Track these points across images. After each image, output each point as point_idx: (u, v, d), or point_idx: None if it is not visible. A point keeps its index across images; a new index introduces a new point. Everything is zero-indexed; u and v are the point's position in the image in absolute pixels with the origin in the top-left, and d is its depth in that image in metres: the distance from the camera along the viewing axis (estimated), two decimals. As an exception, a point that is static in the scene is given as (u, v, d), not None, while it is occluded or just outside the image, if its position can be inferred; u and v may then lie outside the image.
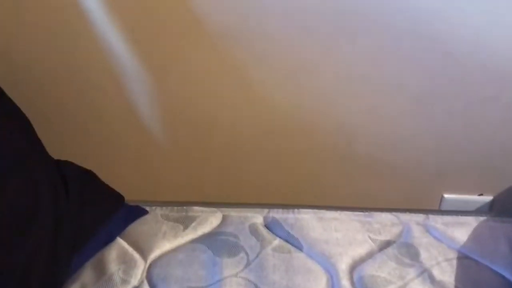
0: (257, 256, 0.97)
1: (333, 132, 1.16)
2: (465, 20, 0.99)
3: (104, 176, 1.10)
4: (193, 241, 1.02)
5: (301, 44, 1.04)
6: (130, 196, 1.11)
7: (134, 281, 0.94)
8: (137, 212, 1.10)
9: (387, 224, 1.08)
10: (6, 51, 1.06)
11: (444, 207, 1.28)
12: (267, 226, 1.06)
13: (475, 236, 1.04)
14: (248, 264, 0.95)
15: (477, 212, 1.27)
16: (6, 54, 1.06)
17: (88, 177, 1.10)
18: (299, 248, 1.00)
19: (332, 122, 1.15)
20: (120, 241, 1.03)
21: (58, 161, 1.06)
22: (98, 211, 1.06)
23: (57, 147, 1.06)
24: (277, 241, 1.01)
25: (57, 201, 0.96)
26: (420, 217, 1.11)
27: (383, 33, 1.02)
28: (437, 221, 1.09)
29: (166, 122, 1.16)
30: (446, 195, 1.27)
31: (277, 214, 1.09)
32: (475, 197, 1.28)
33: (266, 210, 1.10)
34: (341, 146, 1.18)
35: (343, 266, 0.96)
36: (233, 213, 1.10)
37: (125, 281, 0.94)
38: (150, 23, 1.01)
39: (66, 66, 1.08)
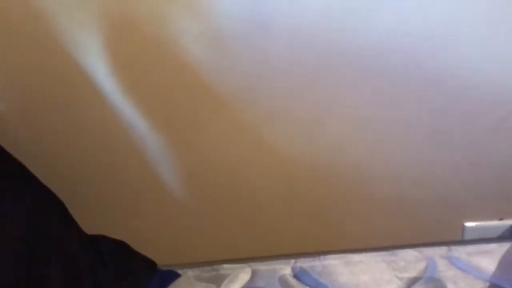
0: (290, 307, 1.01)
1: (348, 177, 1.20)
2: (461, 57, 1.05)
3: (135, 243, 1.16)
4: (226, 298, 1.06)
5: (308, 98, 1.10)
6: (162, 261, 1.17)
7: None
8: (171, 276, 1.15)
9: (411, 260, 1.11)
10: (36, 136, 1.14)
11: (467, 236, 1.30)
12: (295, 276, 1.10)
13: (501, 263, 1.07)
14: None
15: (499, 238, 1.28)
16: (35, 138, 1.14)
17: (122, 248, 1.16)
18: (329, 295, 1.04)
19: (347, 167, 1.20)
20: (158, 307, 1.08)
21: (93, 236, 1.13)
22: (134, 281, 1.12)
23: (87, 221, 1.12)
24: (307, 291, 1.05)
25: (96, 277, 1.02)
26: (443, 249, 1.14)
27: (384, 77, 1.08)
28: (460, 252, 1.12)
29: (189, 185, 1.22)
30: (467, 224, 1.29)
31: (304, 263, 1.13)
32: (496, 222, 1.29)
33: (293, 261, 1.14)
34: (358, 189, 1.22)
35: (374, 308, 0.99)
36: (262, 266, 1.14)
37: None
38: (164, 95, 1.09)
39: (86, 144, 1.16)
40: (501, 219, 1.30)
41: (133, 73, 1.07)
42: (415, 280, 1.05)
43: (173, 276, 1.15)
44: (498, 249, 1.11)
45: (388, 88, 1.10)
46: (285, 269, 1.12)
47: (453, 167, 1.20)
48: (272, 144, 1.16)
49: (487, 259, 1.08)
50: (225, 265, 1.16)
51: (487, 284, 1.02)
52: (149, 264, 1.16)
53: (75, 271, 0.96)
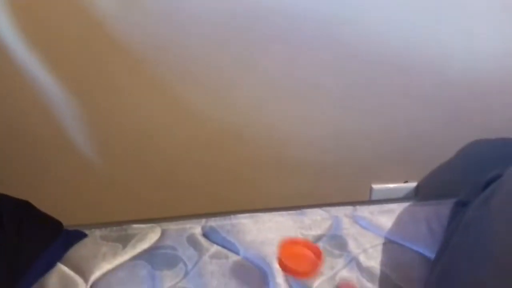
0: (195, 264, 1.01)
1: (262, 139, 1.22)
2: (374, 22, 1.07)
3: (42, 205, 1.11)
4: (133, 258, 1.05)
5: (222, 59, 1.09)
6: (69, 222, 1.13)
7: (77, 303, 0.96)
8: (76, 236, 1.12)
9: (318, 219, 1.15)
10: None
11: (374, 197, 1.36)
12: (204, 235, 1.10)
13: (398, 221, 1.12)
14: (186, 273, 0.99)
15: (402, 199, 1.36)
16: None
17: (25, 207, 1.10)
18: (236, 252, 1.05)
19: (260, 130, 1.21)
20: (60, 267, 1.04)
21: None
22: (36, 240, 1.07)
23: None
24: (214, 248, 1.06)
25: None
26: (349, 209, 1.18)
27: (298, 40, 1.09)
28: (364, 211, 1.17)
29: (99, 143, 1.18)
30: (374, 186, 1.35)
31: (215, 222, 1.14)
32: (401, 185, 1.36)
33: (204, 220, 1.15)
34: (270, 151, 1.24)
35: (276, 264, 1.01)
36: (172, 226, 1.13)
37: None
38: (70, 50, 1.04)
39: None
40: (406, 182, 1.37)
41: (37, 24, 1.00)
42: (319, 237, 1.09)
43: (79, 235, 1.12)
44: (398, 208, 1.17)
45: (303, 51, 1.11)
46: (195, 228, 1.13)
47: (363, 131, 1.25)
48: (185, 105, 1.15)
49: (387, 217, 1.14)
50: (134, 225, 1.14)
51: (385, 240, 1.07)
52: (54, 224, 1.12)
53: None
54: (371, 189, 1.36)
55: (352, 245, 1.06)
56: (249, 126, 1.19)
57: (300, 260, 0.90)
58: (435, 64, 1.14)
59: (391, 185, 1.36)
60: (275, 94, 1.16)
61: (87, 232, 1.13)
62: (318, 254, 0.91)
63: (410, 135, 1.28)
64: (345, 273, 0.99)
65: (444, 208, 1.11)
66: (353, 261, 1.02)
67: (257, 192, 1.29)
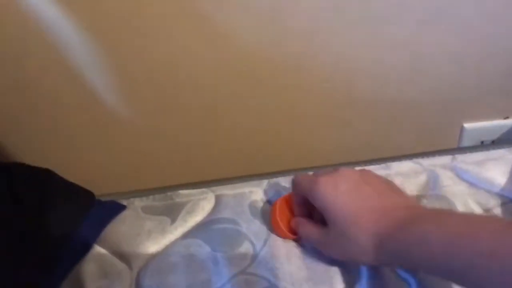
0: (264, 243, 0.80)
1: (326, 77, 0.96)
2: None
3: (66, 173, 0.90)
4: (185, 235, 0.84)
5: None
6: (101, 191, 0.92)
7: (121, 293, 0.77)
8: (113, 209, 0.91)
9: (409, 174, 0.91)
10: None
11: (466, 138, 1.11)
12: (270, 201, 0.89)
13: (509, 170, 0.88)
14: (255, 256, 0.78)
15: (505, 141, 1.11)
16: None
17: (45, 177, 0.90)
18: (313, 223, 0.83)
19: (324, 65, 0.95)
20: (98, 250, 0.85)
21: (5, 165, 0.86)
22: (65, 217, 0.87)
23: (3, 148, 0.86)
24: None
25: (5, 217, 0.78)
26: (445, 159, 0.94)
27: None
28: (466, 161, 0.93)
29: (128, 95, 0.95)
30: (466, 125, 1.10)
31: (280, 184, 0.92)
32: (499, 122, 1.11)
33: (265, 182, 0.93)
34: (338, 92, 0.98)
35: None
36: (227, 191, 0.92)
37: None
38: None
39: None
40: (506, 118, 1.11)
41: None
42: (417, 199, 0.86)
43: (117, 208, 0.92)
44: (509, 155, 0.92)
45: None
46: (256, 192, 0.91)
47: (450, 59, 0.98)
48: (229, 34, 0.87)
49: (499, 167, 0.89)
50: (181, 191, 0.93)
51: (502, 199, 0.84)
52: (84, 195, 0.92)
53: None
54: (462, 129, 1.11)
55: (461, 209, 0.83)
56: (308, 61, 0.93)
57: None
58: None
59: (487, 123, 1.11)
60: (339, 17, 0.89)
61: (124, 202, 0.93)
62: None
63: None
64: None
65: None
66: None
67: (321, 142, 1.05)
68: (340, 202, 0.68)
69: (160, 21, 0.84)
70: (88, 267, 0.82)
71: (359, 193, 0.69)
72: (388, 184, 0.73)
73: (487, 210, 0.82)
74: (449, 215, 0.63)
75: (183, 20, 0.84)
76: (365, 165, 0.94)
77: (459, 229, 0.55)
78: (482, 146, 1.10)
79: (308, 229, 0.76)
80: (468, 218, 0.59)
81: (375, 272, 0.74)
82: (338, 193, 0.68)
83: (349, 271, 0.75)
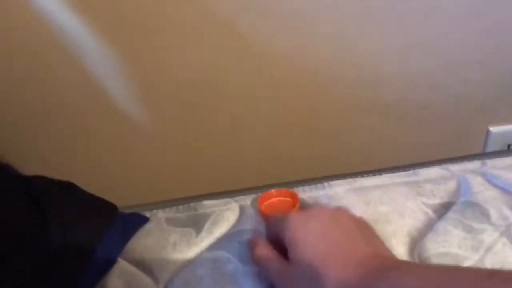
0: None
1: (352, 81, 0.95)
2: None
3: (88, 184, 0.89)
4: (211, 247, 0.82)
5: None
6: (122, 203, 0.91)
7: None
8: (137, 221, 0.90)
9: (438, 180, 0.89)
10: None
11: (491, 142, 1.09)
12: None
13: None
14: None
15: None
16: None
17: (68, 190, 0.89)
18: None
19: (350, 69, 0.93)
20: (122, 264, 0.83)
21: (27, 178, 0.85)
22: (88, 230, 0.86)
23: (22, 159, 0.85)
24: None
25: (30, 230, 0.76)
26: (475, 164, 0.92)
27: None
28: (496, 166, 0.90)
29: (149, 103, 0.94)
30: (492, 128, 1.08)
31: (305, 194, 0.90)
32: (526, 125, 1.08)
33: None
34: (364, 96, 0.96)
35: (401, 249, 0.77)
36: (251, 199, 0.90)
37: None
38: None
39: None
40: (534, 122, 1.08)
41: None
42: (447, 206, 0.83)
43: (140, 220, 0.90)
44: (540, 160, 0.90)
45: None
46: (283, 201, 0.89)
47: (477, 61, 0.96)
48: (253, 42, 0.87)
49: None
50: (205, 202, 0.91)
51: (537, 205, 0.81)
52: (107, 208, 0.90)
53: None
54: (488, 132, 1.08)
55: (495, 215, 0.80)
56: (336, 66, 0.92)
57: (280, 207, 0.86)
58: None
59: (514, 126, 1.08)
60: (369, 22, 0.87)
61: (148, 214, 0.91)
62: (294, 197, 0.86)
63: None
64: (497, 254, 0.74)
65: None
66: (503, 237, 0.76)
67: (351, 149, 1.04)
68: (308, 241, 0.64)
69: (183, 33, 0.83)
70: (113, 282, 0.80)
71: (329, 235, 0.64)
72: (361, 228, 0.68)
73: (521, 216, 0.79)
74: (425, 267, 0.60)
75: (207, 32, 0.83)
76: (391, 172, 0.92)
77: (437, 282, 0.52)
78: (506, 151, 1.08)
79: (266, 253, 0.70)
80: (446, 269, 0.56)
81: None
82: (307, 231, 0.65)
83: None
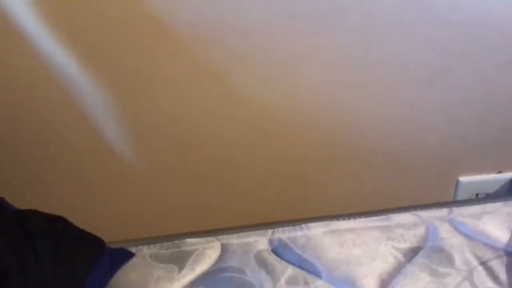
0: (270, 291, 0.83)
1: (334, 131, 1.02)
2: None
3: (76, 219, 0.94)
4: (192, 284, 0.87)
5: (284, 35, 0.89)
6: (110, 238, 0.96)
7: None
8: (122, 256, 0.95)
9: (408, 226, 0.95)
10: None
11: (461, 191, 1.16)
12: (274, 251, 0.92)
13: (507, 224, 0.92)
14: (261, 303, 0.81)
15: (498, 195, 1.15)
16: None
17: (59, 225, 0.93)
18: (317, 274, 0.86)
19: (332, 120, 1.01)
20: (108, 296, 0.88)
21: (21, 212, 0.90)
22: (76, 263, 0.90)
23: (14, 194, 0.89)
24: (290, 270, 0.87)
25: (24, 263, 0.80)
26: (443, 212, 0.98)
27: (374, 7, 0.88)
28: (463, 214, 0.97)
29: (139, 145, 1.00)
30: (461, 178, 1.15)
31: (284, 234, 0.95)
32: (493, 176, 1.15)
33: (270, 231, 0.96)
34: (341, 144, 1.04)
35: (371, 289, 0.82)
36: (233, 240, 0.95)
37: None
38: (101, 31, 0.84)
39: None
40: (499, 172, 1.16)
41: (61, 9, 0.81)
42: (415, 250, 0.89)
43: (126, 255, 0.95)
44: (505, 209, 0.96)
45: (380, 21, 0.90)
46: (262, 242, 0.94)
47: (449, 115, 1.04)
48: (241, 93, 0.94)
49: (494, 221, 0.93)
50: (188, 240, 0.96)
51: (499, 252, 0.87)
52: (95, 243, 0.95)
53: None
54: (457, 182, 1.15)
55: (459, 261, 0.86)
56: (316, 116, 0.99)
57: None
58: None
59: (482, 177, 1.15)
60: (347, 75, 0.95)
61: (133, 250, 0.96)
62: None
63: (509, 121, 1.06)
64: (458, 299, 0.80)
65: None
66: (466, 281, 0.82)
67: (327, 194, 1.10)
68: None
69: (177, 82, 0.90)
70: (98, 314, 0.84)
71: None
72: None
73: (483, 262, 0.85)
74: None
75: (197, 78, 0.90)
76: (365, 217, 0.98)
77: None
78: (478, 199, 1.15)
79: None
80: None
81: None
82: None
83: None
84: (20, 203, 0.89)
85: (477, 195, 1.17)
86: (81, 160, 0.98)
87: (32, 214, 0.91)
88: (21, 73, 0.87)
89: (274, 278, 0.85)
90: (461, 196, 1.16)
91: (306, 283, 0.84)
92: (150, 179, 1.02)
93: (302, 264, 0.88)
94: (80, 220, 0.94)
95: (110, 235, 0.96)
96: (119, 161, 0.98)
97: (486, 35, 0.92)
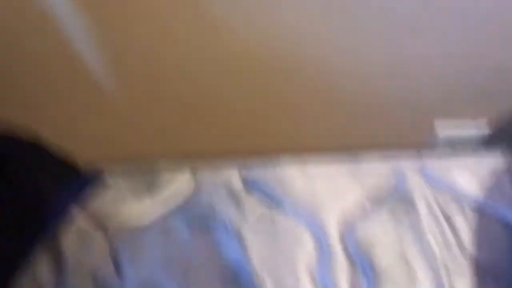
0: (238, 228, 0.86)
1: (308, 69, 0.99)
2: None
3: (54, 137, 0.93)
4: (164, 214, 0.89)
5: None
6: (84, 157, 0.96)
7: (97, 263, 0.83)
8: (95, 181, 0.95)
9: (376, 172, 0.97)
10: None
11: (438, 135, 1.17)
12: (246, 189, 0.93)
13: (477, 180, 0.95)
14: (228, 240, 0.84)
15: (474, 144, 1.17)
16: None
17: (34, 148, 0.92)
18: (284, 212, 0.89)
19: (306, 57, 0.98)
20: (77, 218, 0.89)
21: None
22: (49, 187, 0.91)
23: None
24: (259, 208, 0.89)
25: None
26: (414, 160, 1.00)
27: None
28: (433, 165, 0.98)
29: (116, 67, 0.97)
30: (437, 122, 1.16)
31: (256, 172, 0.96)
32: (469, 122, 1.16)
33: (244, 168, 0.97)
34: (317, 83, 1.02)
35: (332, 228, 0.86)
36: (206, 172, 0.96)
37: (84, 265, 0.82)
38: None
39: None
40: (474, 119, 1.17)
41: None
42: (381, 196, 0.92)
43: (100, 182, 0.95)
44: (474, 163, 0.98)
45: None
46: (234, 176, 0.96)
47: (429, 65, 1.03)
48: (220, 24, 0.90)
49: (462, 174, 0.95)
50: (161, 167, 0.96)
51: (462, 205, 0.90)
52: (68, 168, 0.95)
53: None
54: (434, 126, 1.16)
55: (423, 209, 0.89)
56: (293, 51, 0.96)
57: None
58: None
59: (458, 122, 1.16)
60: (328, 16, 0.91)
61: (107, 175, 0.96)
62: None
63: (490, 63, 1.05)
64: (415, 248, 0.84)
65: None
66: (427, 230, 0.86)
67: (300, 130, 1.10)
68: None
69: (154, 5, 0.85)
70: (67, 233, 0.87)
71: None
72: None
73: (447, 215, 0.88)
74: None
75: (177, 9, 0.85)
76: (339, 156, 0.99)
77: None
78: (450, 151, 1.16)
79: None
80: None
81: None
82: None
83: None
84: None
85: (451, 142, 1.18)
86: (54, 75, 0.95)
87: (7, 139, 0.89)
88: None
89: (242, 214, 0.88)
90: (436, 142, 1.18)
91: (272, 220, 0.87)
92: (122, 102, 1.00)
93: (270, 200, 0.90)
94: (54, 137, 0.93)
95: (84, 154, 0.97)
96: (93, 79, 0.96)
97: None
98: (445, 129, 1.16)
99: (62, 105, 1.00)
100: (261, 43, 0.93)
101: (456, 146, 1.14)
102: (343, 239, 0.85)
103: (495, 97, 1.12)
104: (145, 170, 0.97)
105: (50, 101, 0.99)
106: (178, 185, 0.93)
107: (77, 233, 0.88)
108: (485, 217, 0.88)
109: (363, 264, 0.82)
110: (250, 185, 0.93)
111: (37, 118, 0.97)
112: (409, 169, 0.97)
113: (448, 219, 0.87)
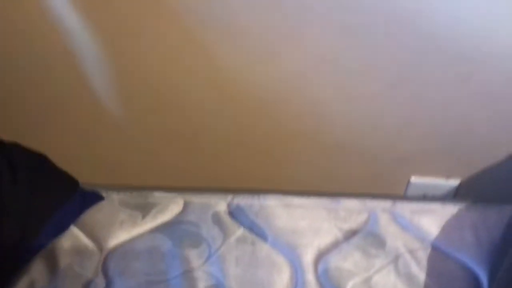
0: (219, 247, 0.93)
1: (299, 115, 1.11)
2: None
3: (57, 158, 1.03)
4: (153, 230, 0.97)
5: (270, 19, 0.97)
6: (85, 179, 1.05)
7: (88, 273, 0.89)
8: (93, 198, 1.04)
9: (353, 211, 1.05)
10: None
11: (411, 190, 1.27)
12: (230, 214, 1.02)
13: (442, 225, 1.03)
14: (210, 256, 0.91)
15: (444, 198, 1.26)
16: None
17: (39, 160, 1.02)
18: (264, 238, 0.96)
19: (299, 105, 1.10)
20: (74, 230, 0.97)
21: (3, 144, 0.98)
22: (50, 197, 0.99)
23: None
24: (241, 231, 0.97)
25: (3, 193, 0.89)
26: (387, 203, 1.09)
27: (353, 14, 0.97)
28: (404, 208, 1.07)
29: (123, 99, 1.08)
30: (413, 178, 1.26)
31: (242, 201, 1.05)
32: (442, 181, 1.26)
33: (230, 197, 1.06)
34: (307, 129, 1.13)
35: (308, 258, 0.93)
36: (196, 199, 1.05)
37: (78, 274, 0.88)
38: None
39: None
40: (447, 178, 1.27)
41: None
42: (354, 232, 1.00)
43: (96, 198, 1.04)
44: (441, 210, 1.07)
45: (356, 26, 0.99)
46: (221, 204, 1.04)
47: (407, 118, 1.14)
48: (219, 66, 1.03)
49: (429, 218, 1.04)
50: (156, 193, 1.05)
51: (425, 244, 0.98)
52: (70, 182, 1.04)
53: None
54: (408, 182, 1.26)
55: (390, 246, 0.97)
56: (287, 99, 1.08)
57: None
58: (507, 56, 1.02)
59: (432, 179, 1.26)
60: (322, 69, 1.04)
61: (104, 194, 1.05)
62: None
63: (460, 130, 1.17)
64: (381, 277, 0.91)
65: (494, 214, 1.02)
66: (391, 265, 0.93)
67: (287, 171, 1.20)
68: None
69: (164, 41, 0.98)
70: (63, 244, 0.94)
71: None
72: None
73: (410, 250, 0.96)
74: None
75: (184, 45, 0.98)
76: (320, 197, 1.08)
77: None
78: (421, 198, 1.25)
79: None
80: None
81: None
82: None
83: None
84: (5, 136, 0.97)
85: (424, 196, 1.28)
86: (65, 103, 1.06)
87: (17, 148, 0.99)
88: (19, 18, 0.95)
89: (225, 236, 0.95)
90: (410, 194, 1.27)
91: (253, 243, 0.94)
92: (128, 133, 1.11)
93: (253, 227, 0.98)
94: (57, 159, 1.03)
95: (85, 177, 1.06)
96: (103, 111, 1.06)
97: (447, 49, 1.02)
98: (419, 185, 1.26)
99: (69, 127, 1.11)
100: (258, 86, 1.06)
101: (427, 197, 1.23)
102: (316, 269, 0.92)
103: (467, 158, 1.24)
104: (139, 194, 1.05)
105: (59, 121, 1.10)
106: (168, 206, 1.02)
107: (72, 247, 0.95)
108: (445, 257, 0.95)
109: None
110: (235, 212, 1.02)
111: (44, 137, 1.08)
112: (381, 209, 1.05)
113: (412, 254, 0.95)
